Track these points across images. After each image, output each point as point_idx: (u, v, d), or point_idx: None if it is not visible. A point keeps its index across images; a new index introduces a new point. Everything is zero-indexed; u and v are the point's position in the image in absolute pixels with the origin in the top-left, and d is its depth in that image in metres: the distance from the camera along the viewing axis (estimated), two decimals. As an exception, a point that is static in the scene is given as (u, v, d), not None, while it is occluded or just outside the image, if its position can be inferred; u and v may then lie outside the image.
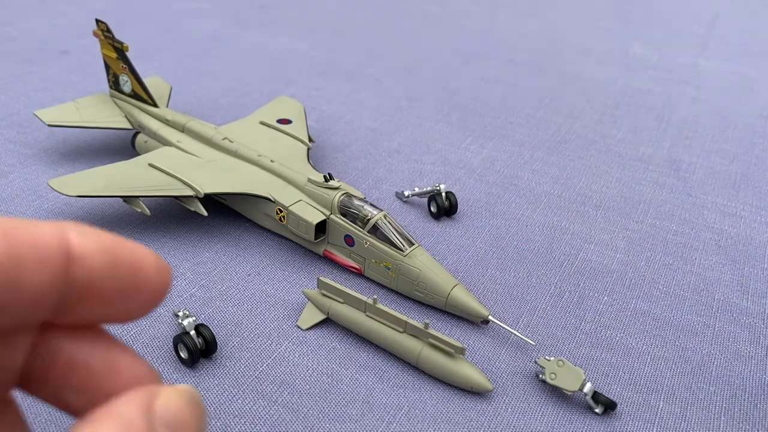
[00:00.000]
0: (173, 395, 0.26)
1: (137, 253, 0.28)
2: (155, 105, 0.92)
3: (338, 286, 0.65)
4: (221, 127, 0.89)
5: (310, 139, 0.90)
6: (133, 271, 0.28)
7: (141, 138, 0.90)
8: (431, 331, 0.60)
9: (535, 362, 0.61)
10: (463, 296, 0.66)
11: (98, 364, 0.28)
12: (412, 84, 1.21)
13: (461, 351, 0.59)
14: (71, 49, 1.26)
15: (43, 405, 0.37)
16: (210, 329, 0.61)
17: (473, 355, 0.64)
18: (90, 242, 0.27)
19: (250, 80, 1.20)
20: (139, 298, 0.29)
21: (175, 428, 0.26)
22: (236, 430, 0.56)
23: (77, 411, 0.28)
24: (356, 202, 0.73)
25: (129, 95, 0.93)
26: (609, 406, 0.58)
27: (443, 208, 0.83)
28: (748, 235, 0.84)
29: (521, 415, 0.58)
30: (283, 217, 0.74)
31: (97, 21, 0.90)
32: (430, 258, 0.69)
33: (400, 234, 0.70)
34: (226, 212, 0.81)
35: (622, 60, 1.37)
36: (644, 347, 0.66)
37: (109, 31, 0.90)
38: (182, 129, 0.88)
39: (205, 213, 0.76)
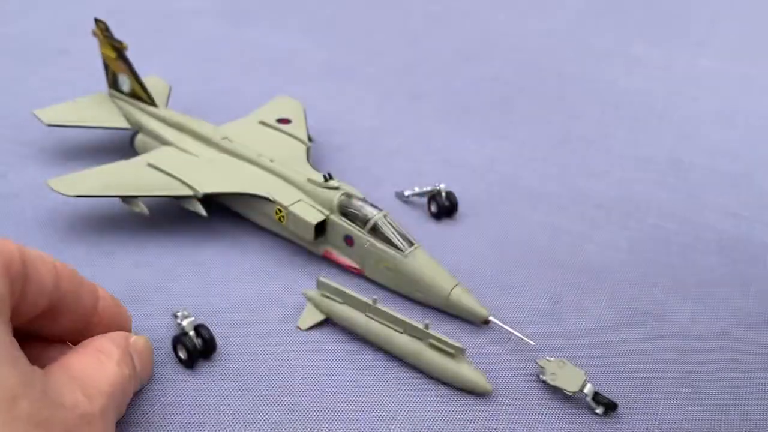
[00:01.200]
0: (140, 338, 0.56)
1: (97, 290, 0.55)
2: (154, 105, 0.92)
3: (338, 286, 0.64)
4: (220, 127, 0.89)
5: (310, 139, 0.90)
6: (92, 300, 0.54)
7: (140, 138, 0.90)
8: (431, 331, 0.60)
9: (536, 363, 0.61)
10: (463, 296, 0.66)
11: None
12: (412, 83, 1.21)
13: (461, 352, 0.59)
14: (70, 48, 1.26)
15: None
16: (209, 330, 0.61)
17: (473, 356, 0.64)
18: (63, 267, 0.50)
19: (250, 80, 1.19)
20: (98, 329, 0.55)
21: (139, 354, 0.55)
22: (236, 430, 0.55)
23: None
24: (356, 202, 0.73)
25: (128, 95, 0.93)
26: (610, 407, 0.58)
27: (443, 208, 0.83)
28: (749, 235, 0.84)
29: (521, 416, 0.58)
30: (283, 217, 0.74)
31: (96, 20, 0.90)
32: (430, 258, 0.69)
33: (400, 234, 0.70)
34: (226, 212, 0.80)
35: (622, 60, 1.37)
36: (645, 348, 0.66)
37: (108, 30, 0.89)
38: (181, 129, 0.88)
39: (204, 213, 0.75)
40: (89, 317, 0.53)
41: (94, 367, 0.49)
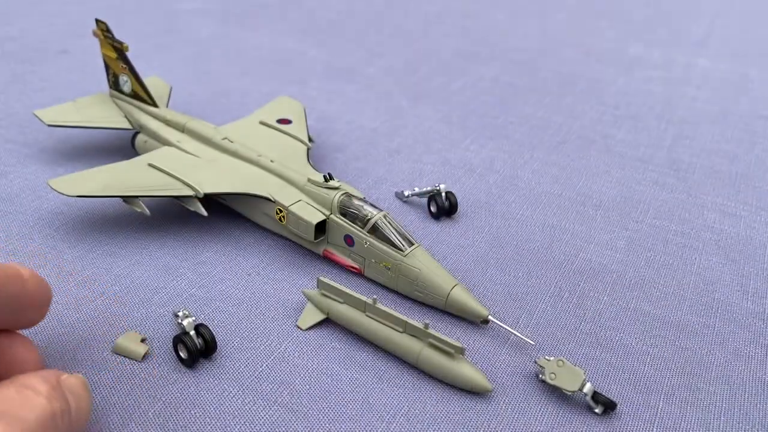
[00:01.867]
0: (73, 377, 0.50)
1: (20, 270, 0.51)
2: (155, 105, 0.92)
3: (338, 286, 0.65)
4: (221, 127, 0.89)
5: (310, 139, 0.90)
6: (20, 283, 0.51)
7: (141, 138, 0.90)
8: (431, 331, 0.60)
9: (535, 362, 0.61)
10: (462, 296, 0.66)
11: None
12: (412, 84, 1.21)
13: (461, 351, 0.59)
14: (71, 48, 1.26)
15: None
16: (210, 329, 0.61)
17: (473, 355, 0.64)
18: None
19: (250, 80, 1.20)
20: (29, 309, 0.52)
21: (74, 393, 0.49)
22: (236, 429, 0.56)
23: None
24: (356, 202, 0.73)
25: (129, 95, 0.93)
26: (609, 406, 0.58)
27: (443, 208, 0.83)
28: (748, 235, 0.84)
29: (521, 415, 0.58)
30: (283, 217, 0.74)
31: (97, 21, 0.90)
32: (429, 258, 0.69)
33: (400, 234, 0.70)
34: (226, 212, 0.81)
35: (622, 60, 1.37)
36: (644, 347, 0.66)
37: (108, 30, 0.90)
38: (182, 129, 0.88)
39: (204, 213, 0.76)
40: (19, 301, 0.51)
41: (19, 401, 0.45)
